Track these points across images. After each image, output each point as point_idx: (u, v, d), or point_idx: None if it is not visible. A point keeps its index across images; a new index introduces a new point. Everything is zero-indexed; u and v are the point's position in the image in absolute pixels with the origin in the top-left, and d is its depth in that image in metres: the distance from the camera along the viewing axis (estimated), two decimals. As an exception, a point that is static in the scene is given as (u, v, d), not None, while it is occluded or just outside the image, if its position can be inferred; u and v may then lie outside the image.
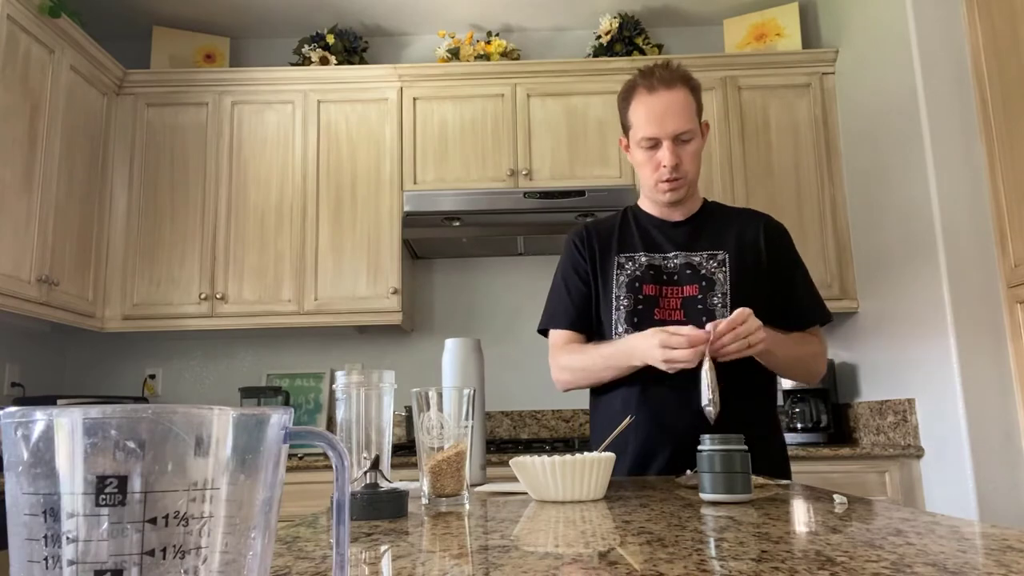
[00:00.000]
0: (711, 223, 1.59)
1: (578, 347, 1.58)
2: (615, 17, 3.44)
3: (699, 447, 1.04)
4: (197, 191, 3.21)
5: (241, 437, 0.36)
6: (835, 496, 0.99)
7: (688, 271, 1.53)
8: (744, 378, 1.45)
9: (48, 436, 0.32)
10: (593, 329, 1.60)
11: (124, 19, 3.46)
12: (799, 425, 3.03)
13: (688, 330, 1.33)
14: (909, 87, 2.62)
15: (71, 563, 0.32)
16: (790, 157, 3.20)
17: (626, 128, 1.56)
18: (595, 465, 1.05)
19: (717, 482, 0.99)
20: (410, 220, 3.12)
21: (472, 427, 1.06)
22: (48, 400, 2.90)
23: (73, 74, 2.95)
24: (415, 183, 3.20)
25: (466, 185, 3.17)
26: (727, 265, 1.52)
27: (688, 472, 1.24)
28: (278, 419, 0.38)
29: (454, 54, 3.43)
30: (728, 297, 1.49)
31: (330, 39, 3.40)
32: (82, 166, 3.01)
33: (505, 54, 3.44)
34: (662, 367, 1.37)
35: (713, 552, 0.64)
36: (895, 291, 2.77)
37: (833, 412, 3.06)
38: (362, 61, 3.49)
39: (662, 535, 0.73)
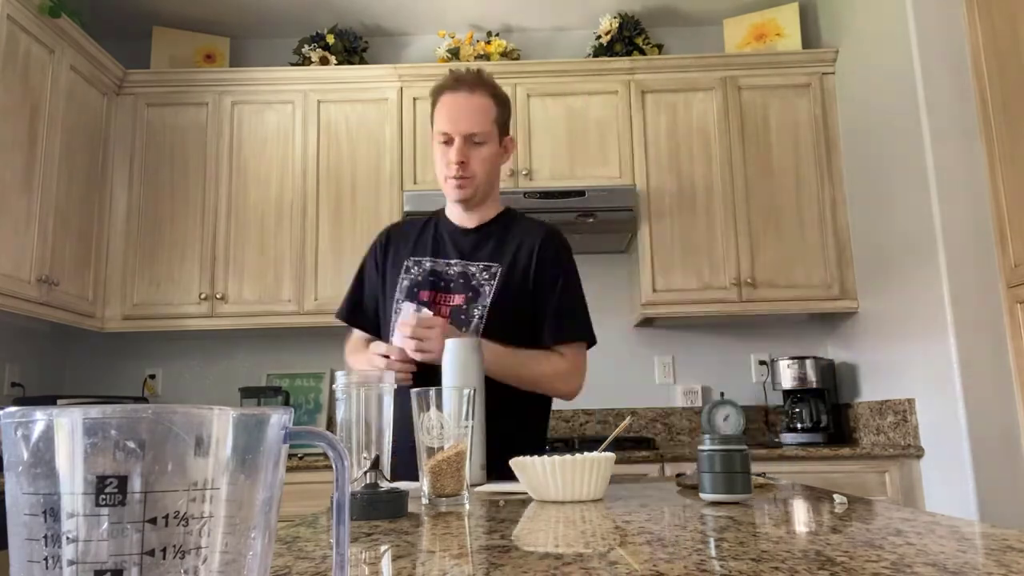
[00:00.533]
0: (498, 235, 1.63)
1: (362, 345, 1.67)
2: (615, 17, 3.44)
3: (699, 447, 1.04)
4: (197, 191, 3.21)
5: (241, 437, 0.36)
6: (835, 496, 0.99)
7: (462, 280, 1.58)
8: (509, 398, 1.48)
9: (48, 436, 0.32)
10: (370, 328, 1.69)
11: (124, 19, 3.46)
12: (799, 425, 3.03)
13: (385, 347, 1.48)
14: (909, 87, 2.62)
15: (71, 563, 0.32)
16: (790, 157, 3.20)
17: (432, 125, 1.61)
18: (595, 465, 1.05)
19: (717, 482, 0.99)
20: (410, 220, 3.11)
21: (472, 427, 1.06)
22: (48, 400, 2.90)
23: (73, 74, 2.95)
24: (415, 183, 3.20)
25: (466, 185, 3.16)
26: (497, 278, 1.56)
27: (688, 472, 1.24)
28: (278, 419, 0.37)
29: (454, 54, 3.43)
30: (487, 310, 1.54)
31: (330, 39, 3.40)
32: (82, 166, 3.01)
33: (505, 54, 3.44)
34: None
35: (713, 552, 0.64)
36: (895, 291, 2.77)
37: (833, 412, 3.06)
38: (362, 61, 3.49)
39: (662, 535, 0.73)
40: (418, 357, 1.43)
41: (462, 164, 1.55)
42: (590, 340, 1.63)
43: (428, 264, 1.61)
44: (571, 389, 1.60)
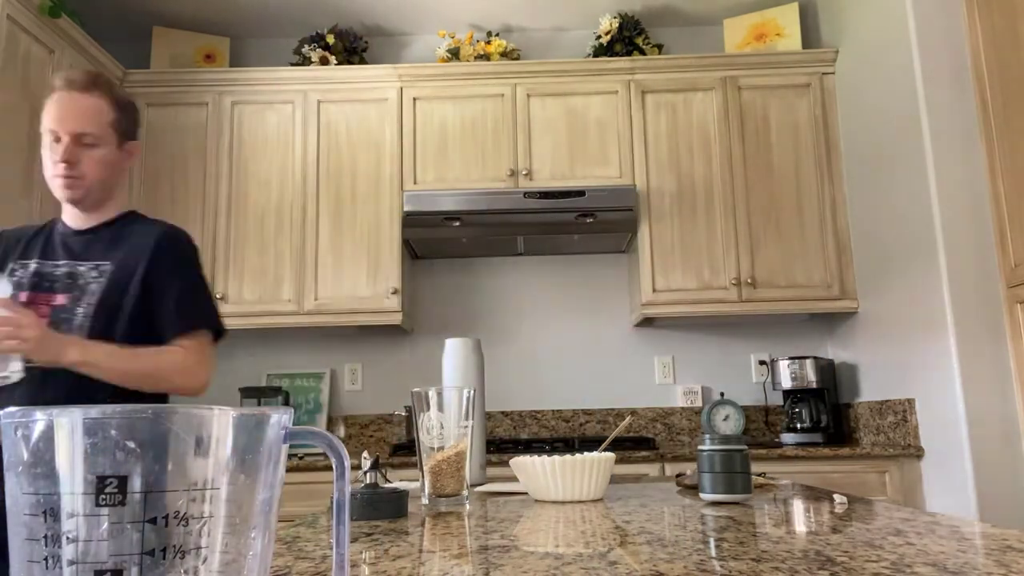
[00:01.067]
0: (114, 235, 1.60)
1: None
2: (615, 17, 3.44)
3: (699, 447, 1.04)
4: (197, 191, 3.21)
5: (241, 437, 0.36)
6: (835, 496, 0.99)
7: (68, 280, 1.53)
8: (84, 391, 1.47)
9: (48, 436, 0.32)
10: None
11: (124, 19, 3.46)
12: (799, 425, 3.03)
13: None
14: (909, 87, 2.62)
15: (71, 563, 0.32)
16: (790, 157, 3.20)
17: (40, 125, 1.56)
18: (595, 465, 1.05)
19: (717, 482, 0.99)
20: (410, 220, 3.12)
21: (472, 427, 1.06)
22: (48, 400, 2.90)
23: (73, 74, 2.94)
24: (415, 183, 3.20)
25: (466, 185, 3.17)
26: (106, 276, 1.54)
27: (688, 472, 1.24)
28: (278, 419, 0.38)
29: (454, 54, 3.43)
30: (93, 307, 1.51)
31: (330, 39, 3.40)
32: (82, 166, 3.01)
33: (505, 54, 3.44)
34: None
35: (713, 552, 0.64)
36: (895, 291, 2.77)
37: (833, 412, 3.06)
38: (362, 61, 3.49)
39: (662, 535, 0.73)
40: (7, 345, 1.35)
41: (68, 164, 1.51)
42: (213, 328, 1.61)
43: (34, 266, 1.55)
44: (194, 384, 1.56)
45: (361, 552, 0.69)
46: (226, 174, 3.22)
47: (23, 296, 1.52)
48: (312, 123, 3.26)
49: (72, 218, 1.61)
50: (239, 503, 0.35)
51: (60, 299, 1.52)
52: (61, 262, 1.56)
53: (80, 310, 1.51)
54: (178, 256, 1.61)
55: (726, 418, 3.08)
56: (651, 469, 2.67)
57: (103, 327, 1.50)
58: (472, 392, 1.06)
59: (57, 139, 1.51)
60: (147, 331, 1.54)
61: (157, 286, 1.56)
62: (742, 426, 3.05)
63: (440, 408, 1.04)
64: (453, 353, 1.41)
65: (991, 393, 2.35)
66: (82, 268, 1.55)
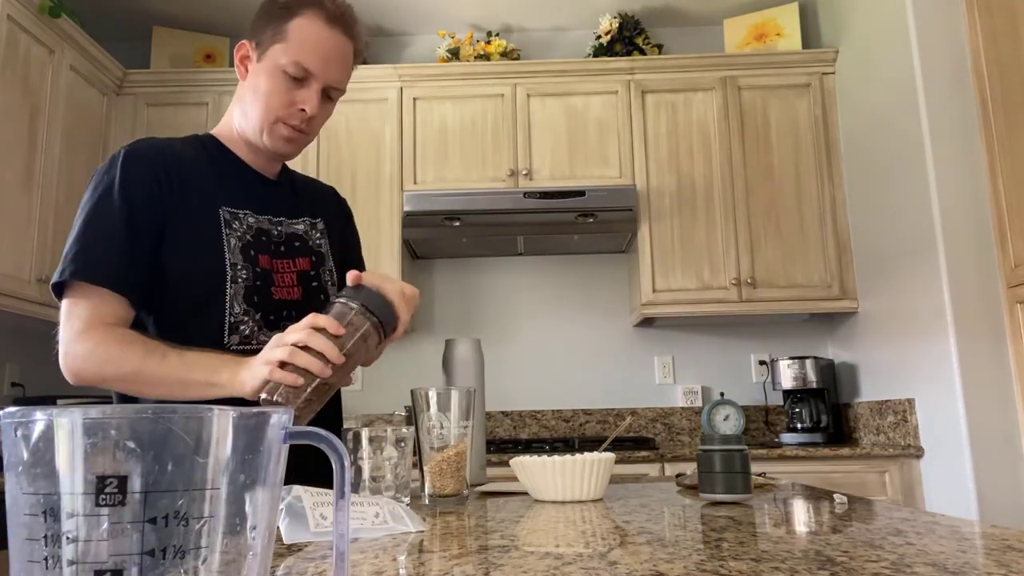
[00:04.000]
0: (296, 185, 1.37)
1: (124, 336, 1.08)
2: (615, 17, 3.44)
3: (699, 447, 1.04)
4: (197, 191, 3.21)
5: (241, 437, 0.36)
6: (835, 496, 0.99)
7: (297, 242, 1.27)
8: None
9: (48, 436, 0.32)
10: (147, 302, 1.14)
11: (124, 19, 3.46)
12: (799, 425, 3.03)
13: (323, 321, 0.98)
14: (909, 87, 2.62)
15: (71, 563, 0.32)
16: (790, 157, 3.20)
17: (271, 39, 1.18)
18: (595, 465, 1.05)
19: (717, 482, 0.99)
20: (410, 220, 3.12)
21: (472, 427, 1.06)
22: (48, 400, 2.90)
23: (73, 74, 2.95)
24: (415, 183, 3.20)
25: (466, 185, 3.17)
26: (327, 236, 1.32)
27: (688, 472, 1.24)
28: (278, 419, 0.38)
29: (454, 54, 3.43)
30: (334, 274, 1.30)
31: (330, 39, 3.40)
32: (82, 166, 3.01)
33: (505, 54, 3.44)
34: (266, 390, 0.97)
35: (713, 552, 0.64)
36: (895, 291, 2.77)
37: (833, 412, 3.06)
38: (362, 61, 3.48)
39: (662, 535, 0.73)
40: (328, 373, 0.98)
41: (312, 119, 1.21)
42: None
43: (251, 220, 1.22)
44: None
45: (361, 552, 0.69)
46: (226, 174, 3.22)
47: (264, 260, 1.20)
48: (312, 123, 3.26)
49: (255, 161, 1.27)
50: (239, 503, 0.35)
51: (301, 263, 1.26)
52: (277, 218, 1.26)
53: (326, 276, 1.29)
54: (351, 216, 1.47)
55: (726, 418, 3.08)
56: (651, 469, 2.67)
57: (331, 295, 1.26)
58: (472, 392, 1.06)
59: (303, 79, 1.18)
60: None
61: (352, 256, 1.40)
62: (742, 426, 3.05)
63: (440, 408, 1.04)
64: (453, 353, 1.41)
65: (991, 393, 2.35)
66: (300, 227, 1.28)
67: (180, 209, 1.15)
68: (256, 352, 1.01)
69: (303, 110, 1.19)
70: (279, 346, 0.97)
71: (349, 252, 1.40)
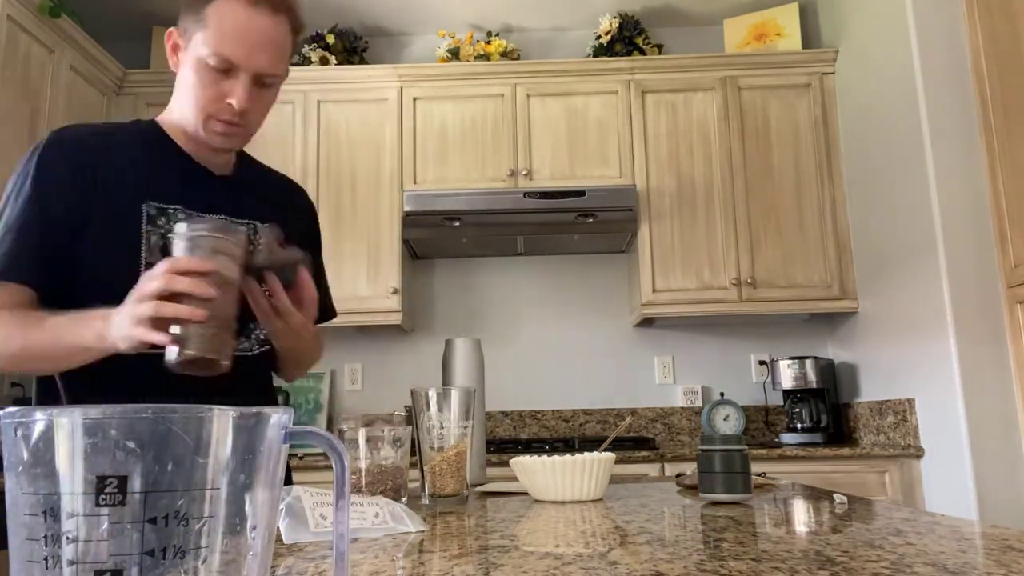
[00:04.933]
0: (254, 182, 1.30)
1: (11, 315, 1.04)
2: (615, 17, 3.44)
3: (699, 447, 1.04)
4: (197, 191, 3.21)
5: (241, 437, 0.36)
6: (835, 496, 0.99)
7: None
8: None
9: (48, 436, 0.32)
10: (62, 297, 1.06)
11: (124, 19, 3.46)
12: (799, 425, 3.03)
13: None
14: (909, 87, 2.62)
15: (71, 563, 0.32)
16: (790, 157, 3.20)
17: (193, 27, 1.13)
18: (595, 465, 1.05)
19: (717, 482, 0.99)
20: (410, 220, 3.12)
21: (472, 427, 1.06)
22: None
23: (73, 74, 2.95)
24: (415, 183, 3.20)
25: (466, 185, 3.16)
26: (260, 234, 1.21)
27: (688, 472, 1.24)
28: (278, 419, 0.38)
29: (454, 54, 3.43)
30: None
31: (330, 39, 3.40)
32: (82, 166, 3.01)
33: (505, 54, 3.44)
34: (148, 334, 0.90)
35: (713, 552, 0.64)
36: (895, 291, 2.77)
37: (833, 412, 3.06)
38: (362, 61, 3.49)
39: (662, 535, 0.73)
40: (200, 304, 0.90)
41: (243, 113, 1.13)
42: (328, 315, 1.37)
43: (181, 216, 1.14)
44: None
45: (361, 552, 0.69)
46: (226, 174, 3.22)
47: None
48: (312, 123, 3.26)
49: (199, 153, 1.20)
50: (239, 503, 0.35)
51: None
52: (213, 217, 1.18)
53: None
54: (314, 222, 1.41)
55: (726, 418, 3.08)
56: (651, 469, 2.67)
57: None
58: (472, 392, 1.06)
59: (228, 70, 1.11)
60: None
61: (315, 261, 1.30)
62: (742, 426, 3.05)
63: (440, 408, 1.04)
64: (453, 353, 1.41)
65: (991, 393, 2.35)
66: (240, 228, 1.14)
67: (100, 202, 1.09)
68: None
69: (232, 104, 1.11)
70: (141, 301, 0.89)
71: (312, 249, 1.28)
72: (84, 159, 1.12)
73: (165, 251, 1.07)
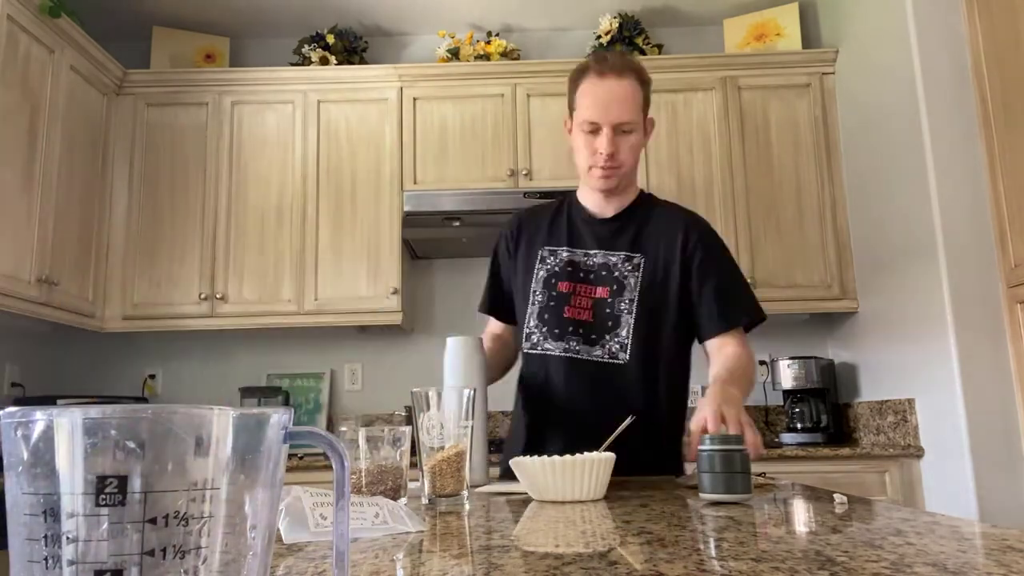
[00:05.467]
0: (636, 222, 1.56)
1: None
2: (615, 17, 3.44)
3: (699, 447, 1.04)
4: (197, 191, 3.21)
5: (241, 437, 0.36)
6: (835, 496, 0.99)
7: (604, 272, 1.52)
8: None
9: (48, 436, 0.32)
10: (509, 318, 1.66)
11: (124, 19, 3.46)
12: (799, 425, 3.03)
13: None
14: (909, 87, 2.62)
15: (71, 563, 0.32)
16: (790, 157, 3.20)
17: (572, 109, 1.54)
18: (595, 465, 1.05)
19: (717, 482, 0.99)
20: (410, 220, 3.12)
21: (472, 427, 1.06)
22: (48, 400, 2.90)
23: (73, 74, 2.95)
24: (415, 183, 3.20)
25: (466, 185, 3.16)
26: (641, 270, 1.51)
27: (688, 472, 1.24)
28: (278, 419, 0.38)
29: (454, 54, 3.43)
30: (635, 304, 1.49)
31: (330, 39, 3.40)
32: (82, 166, 3.01)
33: (505, 54, 3.44)
34: None
35: (713, 552, 0.64)
36: (895, 291, 2.77)
37: (833, 412, 3.06)
38: (362, 61, 3.48)
39: (662, 535, 0.73)
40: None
41: (611, 155, 1.47)
42: (754, 320, 1.55)
43: (565, 254, 1.55)
44: (755, 376, 1.58)
45: (361, 552, 0.69)
46: (226, 174, 3.22)
47: (564, 286, 1.51)
48: (312, 123, 3.26)
49: (593, 203, 1.58)
50: (239, 503, 0.35)
51: (600, 291, 1.51)
52: (592, 251, 1.53)
53: (623, 305, 1.49)
54: (710, 245, 1.55)
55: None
56: (651, 469, 2.67)
57: (647, 326, 1.48)
58: (472, 392, 1.06)
59: (595, 130, 1.48)
60: (669, 329, 1.51)
61: (697, 279, 1.51)
62: (742, 426, 3.05)
63: (440, 408, 1.04)
64: (454, 352, 1.41)
65: (991, 393, 2.35)
66: (614, 259, 1.52)
67: (515, 258, 1.63)
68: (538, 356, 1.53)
69: (602, 153, 1.47)
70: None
71: (690, 275, 1.52)
72: (512, 232, 1.70)
73: (547, 281, 1.57)
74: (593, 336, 1.48)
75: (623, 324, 1.47)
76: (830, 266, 3.10)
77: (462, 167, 3.20)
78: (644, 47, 3.41)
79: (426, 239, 3.24)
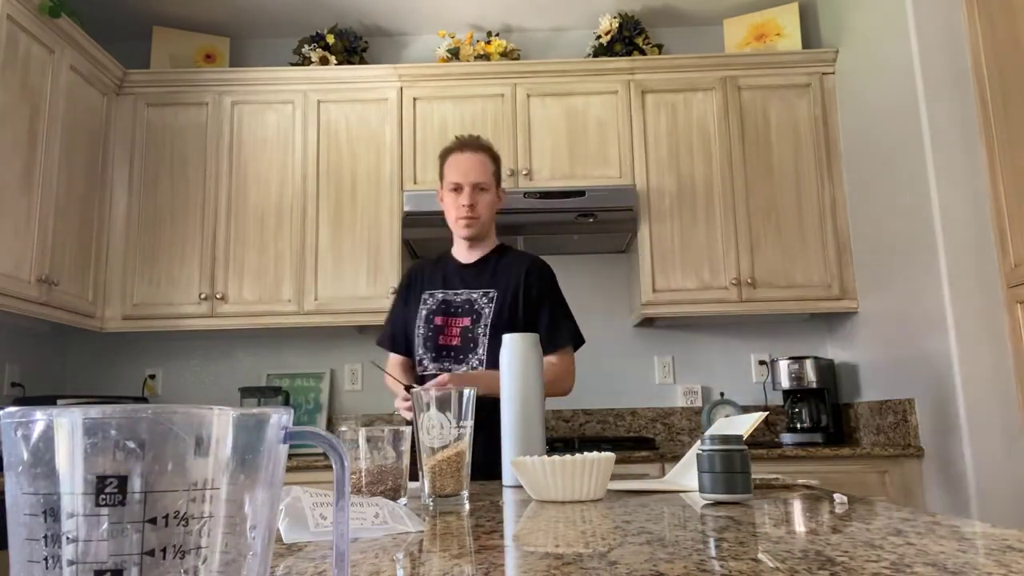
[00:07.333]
0: (491, 266, 1.98)
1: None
2: (615, 17, 3.44)
3: (699, 447, 1.04)
4: (197, 191, 3.21)
5: (241, 437, 0.36)
6: (835, 496, 0.99)
7: (467, 306, 1.92)
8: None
9: (48, 436, 0.32)
10: (404, 351, 2.04)
11: (124, 19, 3.46)
12: (799, 425, 3.03)
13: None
14: (909, 87, 2.62)
15: (71, 563, 0.32)
16: (790, 157, 3.20)
17: (442, 179, 1.98)
18: (595, 465, 1.05)
19: (717, 482, 0.99)
20: (410, 220, 3.12)
21: (472, 427, 1.06)
22: (48, 400, 2.90)
23: (73, 74, 2.94)
24: (415, 183, 3.20)
25: (466, 185, 3.16)
26: (494, 302, 1.91)
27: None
28: (278, 419, 0.38)
29: (454, 54, 3.43)
30: (488, 328, 1.88)
31: (330, 39, 3.40)
32: (82, 166, 3.01)
33: (505, 54, 3.44)
34: None
35: (713, 552, 0.64)
36: (895, 291, 2.77)
37: (833, 412, 3.06)
38: (362, 61, 3.48)
39: (662, 535, 0.73)
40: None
41: (471, 207, 1.91)
42: (576, 343, 1.95)
43: (440, 295, 1.96)
44: (567, 387, 1.94)
45: (361, 552, 0.69)
46: (226, 174, 3.22)
47: (439, 320, 1.93)
48: (312, 123, 3.26)
49: (461, 253, 2.01)
50: (239, 503, 0.35)
51: (464, 321, 1.91)
52: (460, 291, 1.95)
53: (480, 329, 1.88)
54: (543, 282, 1.95)
55: (726, 418, 3.08)
56: (651, 469, 2.67)
57: (498, 346, 1.66)
58: (472, 392, 1.06)
59: (458, 189, 1.92)
60: None
61: (533, 309, 1.91)
62: (742, 426, 3.04)
63: (440, 408, 1.04)
64: (511, 349, 1.40)
65: (991, 393, 2.35)
66: (475, 295, 1.93)
67: (408, 300, 2.03)
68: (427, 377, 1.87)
69: (464, 205, 1.92)
70: None
71: (529, 305, 1.92)
72: (409, 280, 2.11)
73: (427, 317, 1.97)
74: (460, 356, 1.88)
75: (480, 345, 1.87)
76: (830, 266, 3.10)
77: (462, 167, 3.20)
78: (644, 47, 3.41)
79: (426, 239, 3.24)
